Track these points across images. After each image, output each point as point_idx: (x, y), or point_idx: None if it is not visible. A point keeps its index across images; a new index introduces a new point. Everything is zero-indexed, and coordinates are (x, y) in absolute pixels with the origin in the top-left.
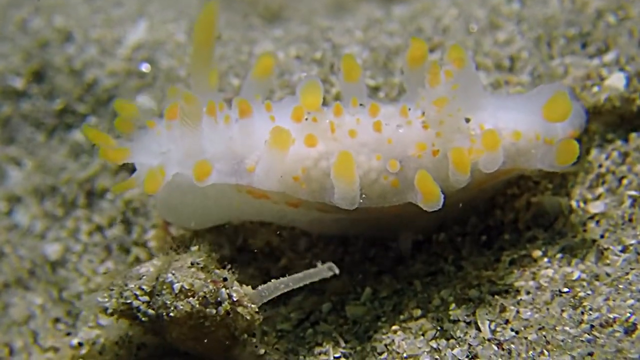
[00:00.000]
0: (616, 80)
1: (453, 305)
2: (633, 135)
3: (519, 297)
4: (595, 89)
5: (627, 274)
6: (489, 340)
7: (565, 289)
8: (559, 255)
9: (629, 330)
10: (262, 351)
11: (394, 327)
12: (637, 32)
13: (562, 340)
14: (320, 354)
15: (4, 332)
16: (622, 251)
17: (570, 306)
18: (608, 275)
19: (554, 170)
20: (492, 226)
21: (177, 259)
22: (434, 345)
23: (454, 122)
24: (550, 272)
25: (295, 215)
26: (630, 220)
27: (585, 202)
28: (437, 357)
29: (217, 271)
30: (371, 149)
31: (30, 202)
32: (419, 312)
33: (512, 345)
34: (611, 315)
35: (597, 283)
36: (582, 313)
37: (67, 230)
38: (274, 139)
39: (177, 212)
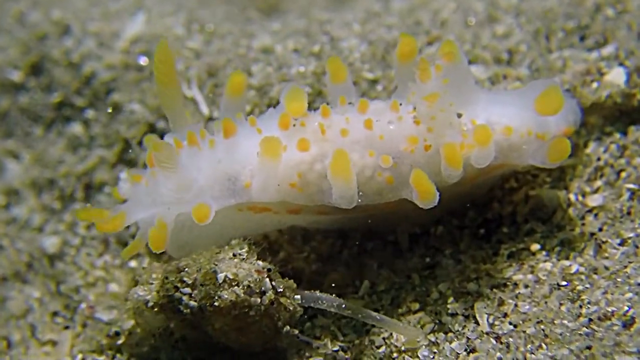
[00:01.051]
0: (616, 76)
1: (451, 298)
2: (632, 128)
3: (517, 291)
4: (595, 84)
5: (625, 267)
6: (487, 333)
7: (564, 283)
8: (557, 249)
9: (627, 324)
10: (303, 342)
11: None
12: (636, 25)
13: (561, 334)
14: (318, 347)
15: (1, 326)
16: (621, 244)
17: (569, 299)
18: (606, 268)
19: (545, 167)
20: (490, 219)
21: (218, 251)
22: (432, 339)
23: (446, 117)
24: (548, 265)
25: (297, 221)
26: (629, 213)
27: (583, 195)
28: (435, 350)
29: (259, 262)
30: (363, 146)
31: (28, 196)
32: (417, 305)
33: (511, 339)
34: (609, 309)
35: (595, 276)
36: (581, 306)
37: (65, 224)
38: (264, 149)
39: (189, 247)
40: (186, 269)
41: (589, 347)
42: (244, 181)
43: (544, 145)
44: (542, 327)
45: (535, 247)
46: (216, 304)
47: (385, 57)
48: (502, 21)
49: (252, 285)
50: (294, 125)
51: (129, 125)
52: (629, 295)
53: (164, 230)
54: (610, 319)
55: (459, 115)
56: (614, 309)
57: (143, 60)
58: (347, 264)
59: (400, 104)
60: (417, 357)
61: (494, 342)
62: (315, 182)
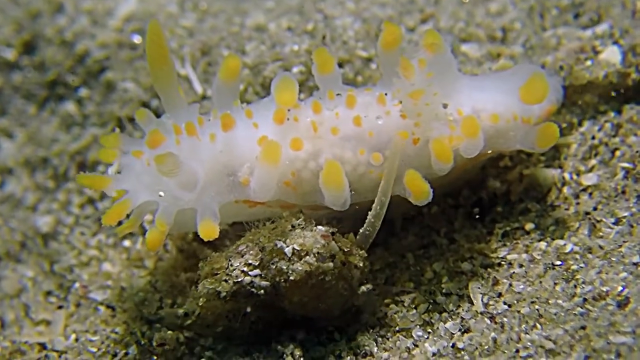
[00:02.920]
0: (611, 54)
1: (445, 278)
2: (626, 107)
3: (511, 270)
4: (589, 62)
5: (620, 246)
6: (481, 313)
7: (558, 262)
8: (551, 228)
9: (621, 304)
10: (377, 296)
11: (386, 301)
12: (630, 3)
13: (555, 314)
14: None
15: None
16: (615, 223)
17: (563, 279)
18: (601, 248)
19: (535, 152)
20: (484, 199)
21: (275, 226)
22: (427, 319)
23: (432, 110)
24: (543, 244)
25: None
26: (623, 192)
27: (577, 174)
28: (429, 330)
29: (319, 227)
30: (354, 144)
31: (21, 174)
32: (411, 285)
33: (505, 319)
34: (604, 289)
35: (590, 256)
36: (575, 286)
37: (58, 203)
38: (265, 154)
39: (178, 226)
40: (249, 252)
41: (583, 327)
42: (242, 177)
43: (531, 130)
44: (537, 306)
45: (529, 226)
46: (292, 278)
47: (379, 35)
48: None
49: (321, 251)
50: (288, 119)
51: (123, 103)
52: (624, 274)
53: (164, 232)
54: (604, 299)
55: (445, 106)
56: (609, 288)
57: (136, 39)
58: None
59: (386, 94)
60: (412, 336)
61: (488, 321)
62: (309, 181)
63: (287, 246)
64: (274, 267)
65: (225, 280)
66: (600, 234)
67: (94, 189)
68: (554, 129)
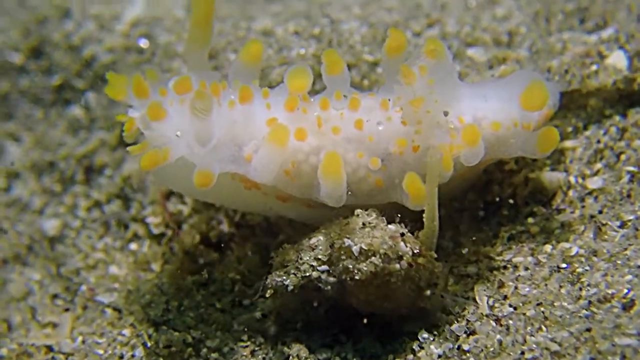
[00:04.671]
0: (617, 60)
1: (451, 281)
2: (631, 111)
3: (517, 273)
4: (594, 67)
5: (625, 249)
6: (487, 316)
7: (564, 265)
8: (557, 231)
9: (626, 306)
10: (446, 298)
11: None
12: (636, 7)
13: (560, 316)
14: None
15: (2, 308)
16: (621, 227)
17: (569, 282)
18: (606, 251)
19: (536, 158)
20: (490, 202)
21: (347, 222)
22: (432, 321)
23: (433, 118)
24: (548, 247)
25: (283, 209)
26: (629, 195)
27: (583, 177)
28: (435, 332)
29: (390, 226)
30: (355, 147)
31: (28, 178)
32: None
33: (511, 321)
34: (609, 291)
35: (595, 259)
36: (580, 289)
37: (65, 206)
38: (273, 135)
39: (169, 182)
40: (319, 247)
41: (588, 330)
42: (247, 152)
43: (531, 136)
44: (542, 309)
45: (535, 229)
46: (357, 277)
47: (386, 40)
48: (502, 3)
49: (388, 252)
50: (298, 108)
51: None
52: (629, 277)
53: (165, 160)
54: (610, 301)
55: (446, 114)
56: (614, 291)
57: (143, 43)
58: None
59: (389, 100)
60: (417, 339)
61: (493, 324)
62: (307, 174)
63: (355, 245)
64: (341, 264)
65: (294, 274)
66: (606, 237)
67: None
68: (554, 134)
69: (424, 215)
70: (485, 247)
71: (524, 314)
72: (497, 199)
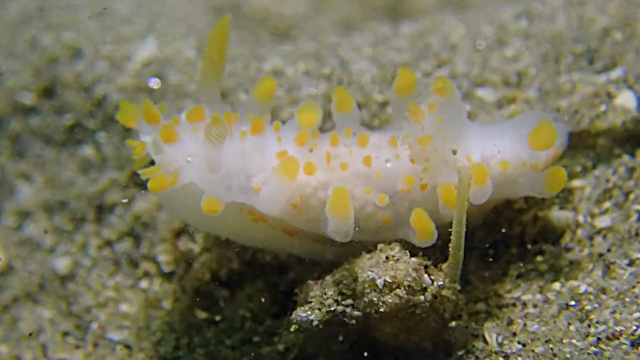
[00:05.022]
0: (626, 100)
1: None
2: None
3: (526, 310)
4: (603, 107)
5: (633, 287)
6: (496, 352)
7: (572, 302)
8: (566, 269)
9: (635, 343)
10: (472, 330)
11: None
12: None
13: (569, 353)
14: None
15: (13, 346)
16: (629, 265)
17: (577, 319)
18: (615, 288)
19: (544, 197)
20: (499, 240)
21: (370, 257)
22: (442, 357)
23: (441, 156)
24: (557, 285)
25: (290, 244)
26: (637, 234)
27: (592, 216)
28: None
29: (414, 260)
30: (363, 183)
31: (39, 217)
32: None
33: (519, 358)
34: (618, 328)
35: (603, 296)
36: (589, 326)
37: (76, 245)
38: (282, 167)
39: (176, 210)
40: (343, 281)
41: None
42: (255, 184)
43: (539, 175)
44: (551, 346)
45: (543, 267)
46: (382, 310)
47: (396, 78)
48: (511, 44)
49: (412, 284)
50: (308, 143)
51: None
52: (637, 315)
53: (173, 184)
54: (618, 339)
55: (454, 152)
56: (622, 328)
57: (154, 83)
58: None
59: (398, 138)
60: None
61: None
62: (315, 209)
63: (379, 278)
64: (365, 298)
65: (319, 309)
66: (614, 275)
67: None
68: (562, 173)
69: (449, 245)
70: (494, 284)
71: (533, 351)
72: (506, 238)
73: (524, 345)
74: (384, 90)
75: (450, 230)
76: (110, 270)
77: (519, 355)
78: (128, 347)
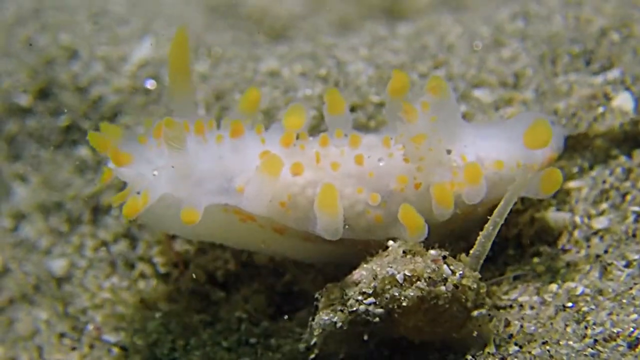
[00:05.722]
0: (624, 102)
1: None
2: (637, 151)
3: (523, 312)
4: (601, 109)
5: (630, 289)
6: (493, 354)
7: (569, 304)
8: (562, 271)
9: (632, 345)
10: (493, 317)
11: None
12: None
13: (566, 355)
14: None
15: (9, 347)
16: (626, 266)
17: (574, 321)
18: (612, 290)
19: (540, 198)
20: (496, 242)
21: (387, 254)
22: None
23: (435, 156)
24: (554, 287)
25: (280, 244)
26: (634, 235)
27: (589, 217)
28: None
29: (432, 252)
30: (354, 182)
31: (35, 218)
32: None
33: None
34: (615, 330)
35: (600, 298)
36: (586, 327)
37: (72, 246)
38: (265, 165)
39: (161, 224)
40: (363, 280)
41: None
42: (238, 184)
43: (534, 176)
44: (548, 348)
45: (540, 269)
46: (404, 304)
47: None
48: (508, 45)
49: (432, 275)
50: (294, 145)
51: None
52: (634, 316)
53: (145, 203)
54: (615, 340)
55: (448, 151)
56: (619, 330)
57: (150, 84)
58: None
59: (391, 139)
60: None
61: None
62: (303, 207)
63: (399, 273)
64: (387, 294)
65: (341, 310)
66: (611, 276)
67: (117, 163)
68: (558, 175)
69: (480, 233)
70: (491, 286)
71: (530, 353)
72: (503, 239)
73: (520, 347)
74: (380, 91)
75: (446, 228)
76: (106, 272)
77: (516, 357)
78: (124, 348)
